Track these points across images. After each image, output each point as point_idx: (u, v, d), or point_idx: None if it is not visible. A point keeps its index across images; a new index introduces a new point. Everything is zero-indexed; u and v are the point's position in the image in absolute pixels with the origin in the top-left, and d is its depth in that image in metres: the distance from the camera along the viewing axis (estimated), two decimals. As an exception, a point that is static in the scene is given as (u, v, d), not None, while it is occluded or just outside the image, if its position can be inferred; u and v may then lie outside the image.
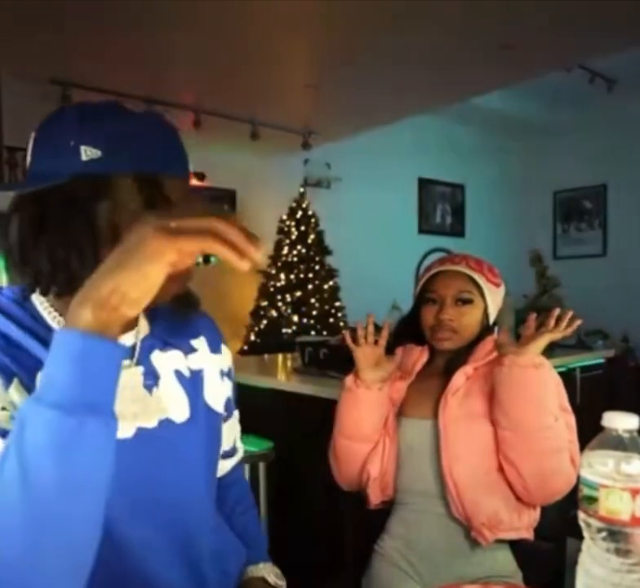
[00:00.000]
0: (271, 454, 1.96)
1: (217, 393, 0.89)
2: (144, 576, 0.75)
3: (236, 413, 1.00)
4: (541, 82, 4.27)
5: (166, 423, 0.78)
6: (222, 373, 0.91)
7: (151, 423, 0.77)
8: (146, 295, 0.55)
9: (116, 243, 0.57)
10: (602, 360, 3.10)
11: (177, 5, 2.59)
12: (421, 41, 2.98)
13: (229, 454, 1.00)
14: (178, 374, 0.82)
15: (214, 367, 0.89)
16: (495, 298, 1.30)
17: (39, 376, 0.60)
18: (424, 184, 5.94)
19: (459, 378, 1.23)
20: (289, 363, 2.68)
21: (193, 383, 0.84)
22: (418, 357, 1.33)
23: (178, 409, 0.80)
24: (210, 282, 4.72)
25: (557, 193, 6.06)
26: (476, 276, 1.27)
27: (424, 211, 5.94)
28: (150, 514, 0.76)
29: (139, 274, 0.54)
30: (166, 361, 0.81)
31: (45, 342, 0.68)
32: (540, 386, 1.11)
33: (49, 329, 0.72)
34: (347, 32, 2.90)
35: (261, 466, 1.94)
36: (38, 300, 0.74)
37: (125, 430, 0.73)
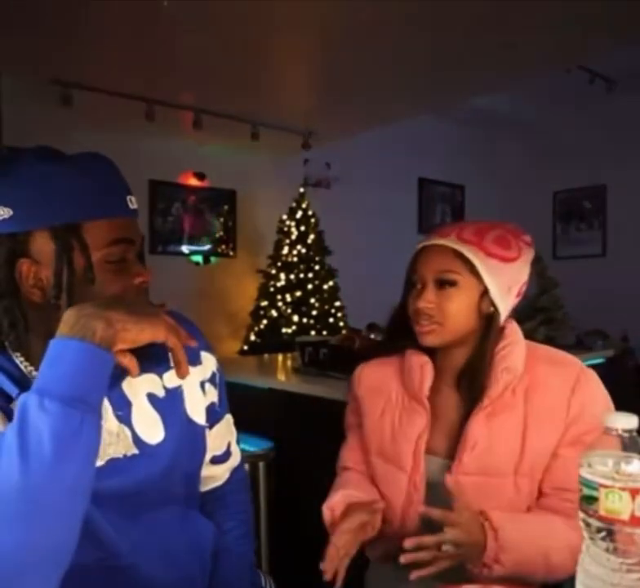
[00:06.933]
0: (271, 454, 1.96)
1: (198, 404, 0.89)
2: (136, 576, 0.80)
3: (227, 417, 0.99)
4: (541, 82, 4.28)
5: (136, 454, 0.80)
6: (202, 383, 0.91)
7: (122, 454, 0.79)
8: (134, 340, 0.67)
9: (44, 299, 0.73)
10: (601, 360, 3.10)
11: (177, 5, 2.59)
12: (421, 41, 2.98)
13: (222, 459, 0.99)
14: (151, 397, 0.83)
15: (193, 379, 0.88)
16: (502, 276, 1.01)
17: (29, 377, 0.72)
18: (424, 184, 5.94)
19: (476, 429, 1.00)
20: (289, 363, 2.68)
21: (169, 402, 0.85)
22: (421, 377, 1.07)
23: (151, 432, 0.82)
24: (210, 282, 4.75)
25: (557, 194, 6.06)
26: (464, 250, 1.00)
27: (424, 211, 5.94)
28: (131, 523, 0.80)
29: (138, 326, 0.67)
30: (138, 387, 0.82)
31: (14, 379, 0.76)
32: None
33: (18, 368, 0.77)
34: (347, 32, 2.89)
35: (261, 466, 1.94)
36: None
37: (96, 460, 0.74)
